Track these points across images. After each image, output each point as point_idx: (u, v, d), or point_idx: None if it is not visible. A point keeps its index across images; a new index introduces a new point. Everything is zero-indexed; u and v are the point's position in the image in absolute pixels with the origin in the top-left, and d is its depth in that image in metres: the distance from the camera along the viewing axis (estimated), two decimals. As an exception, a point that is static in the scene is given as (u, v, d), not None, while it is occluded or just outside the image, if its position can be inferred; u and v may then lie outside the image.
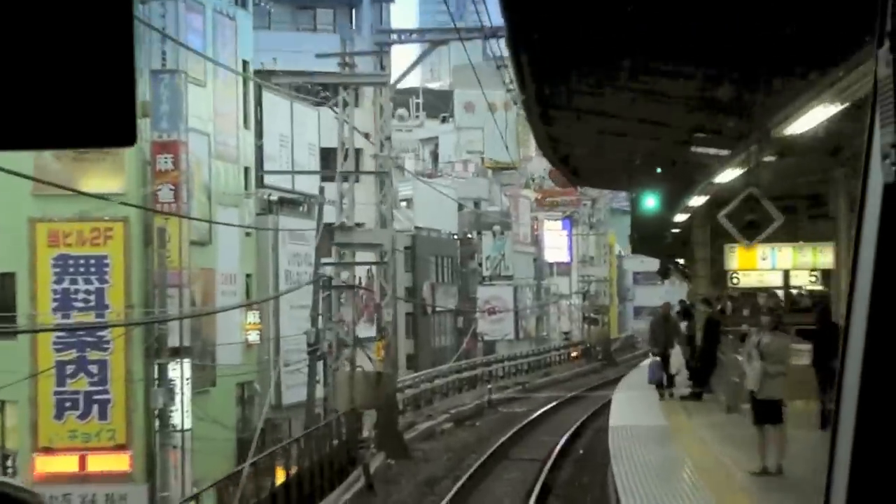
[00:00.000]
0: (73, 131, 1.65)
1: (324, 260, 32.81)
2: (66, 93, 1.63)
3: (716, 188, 17.43)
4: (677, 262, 33.96)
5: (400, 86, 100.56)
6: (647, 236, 28.42)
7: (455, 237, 65.21)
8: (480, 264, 74.57)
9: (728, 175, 16.06)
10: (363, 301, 49.77)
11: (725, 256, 23.96)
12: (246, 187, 39.93)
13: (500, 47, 28.77)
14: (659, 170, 22.68)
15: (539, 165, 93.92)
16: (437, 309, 60.38)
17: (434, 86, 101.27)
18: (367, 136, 55.66)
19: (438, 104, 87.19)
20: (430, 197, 61.83)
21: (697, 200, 19.83)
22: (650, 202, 22.97)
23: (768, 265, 24.34)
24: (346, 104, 28.11)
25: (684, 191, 21.71)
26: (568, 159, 25.49)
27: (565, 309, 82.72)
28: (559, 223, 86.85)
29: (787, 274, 24.56)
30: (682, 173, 22.17)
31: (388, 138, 27.83)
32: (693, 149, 19.30)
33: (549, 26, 11.83)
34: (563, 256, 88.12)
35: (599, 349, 59.80)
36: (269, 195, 40.65)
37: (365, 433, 28.11)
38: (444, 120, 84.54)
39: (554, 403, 38.46)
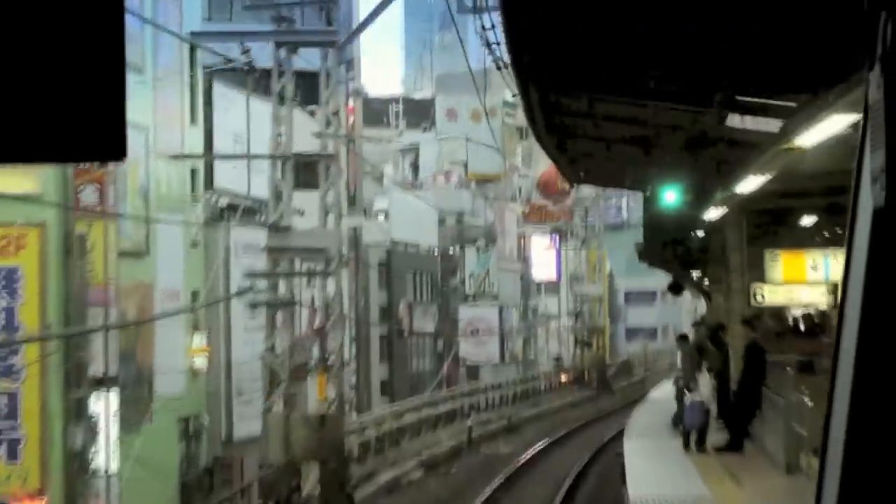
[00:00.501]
0: (62, 146, 1.62)
1: (254, 271, 27.42)
2: (56, 107, 1.62)
3: (787, 160, 12.26)
4: (693, 275, 28.85)
5: (379, 94, 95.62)
6: (659, 242, 23.31)
7: (435, 252, 60.05)
8: (463, 282, 69.45)
9: (814, 135, 10.81)
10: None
11: (766, 265, 18.97)
12: (193, 190, 34.88)
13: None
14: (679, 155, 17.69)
15: (526, 177, 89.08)
16: (416, 330, 55.24)
17: (417, 97, 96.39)
18: (350, 141, 50.74)
19: (420, 114, 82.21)
20: (408, 208, 56.73)
21: (751, 183, 14.64)
22: (670, 197, 17.94)
23: (819, 276, 19.42)
24: (282, 72, 22.65)
25: (718, 179, 16.70)
26: (567, 146, 20.51)
27: (554, 331, 77.69)
28: (547, 238, 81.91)
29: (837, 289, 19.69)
30: (713, 157, 17.18)
31: (336, 114, 22.50)
32: (733, 121, 14.58)
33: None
34: (552, 274, 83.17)
35: (594, 375, 54.57)
36: (219, 200, 35.50)
37: (306, 491, 22.62)
38: (425, 130, 79.56)
39: (545, 443, 32.72)
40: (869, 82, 1.98)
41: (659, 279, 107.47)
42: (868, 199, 2.00)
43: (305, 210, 45.23)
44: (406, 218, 56.02)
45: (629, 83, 13.83)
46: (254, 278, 24.92)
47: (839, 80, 9.28)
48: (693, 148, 16.96)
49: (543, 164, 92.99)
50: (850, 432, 2.02)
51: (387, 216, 56.04)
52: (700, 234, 20.50)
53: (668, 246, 21.88)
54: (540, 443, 33.02)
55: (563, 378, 54.35)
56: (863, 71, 2.06)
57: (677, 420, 22.13)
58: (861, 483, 2.01)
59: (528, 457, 30.48)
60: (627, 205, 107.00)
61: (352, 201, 51.73)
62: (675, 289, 31.58)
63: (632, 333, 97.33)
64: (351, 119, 51.93)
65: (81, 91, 1.61)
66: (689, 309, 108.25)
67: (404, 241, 55.93)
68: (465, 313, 68.22)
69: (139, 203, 31.37)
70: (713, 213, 17.27)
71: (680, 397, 22.42)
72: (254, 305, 25.25)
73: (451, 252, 61.97)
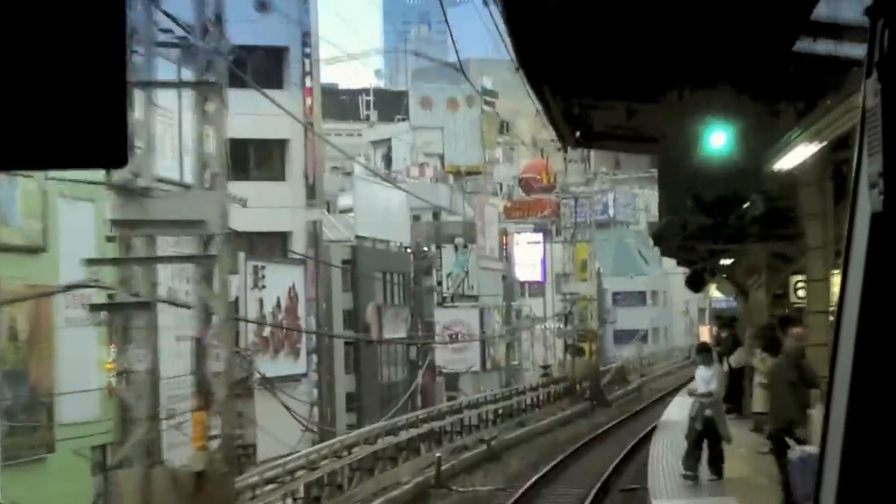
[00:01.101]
0: (64, 152, 1.63)
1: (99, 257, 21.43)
2: (58, 114, 1.62)
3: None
4: (723, 266, 23.05)
5: (350, 86, 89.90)
6: (683, 217, 17.49)
7: (408, 250, 54.45)
8: (440, 283, 63.85)
9: None
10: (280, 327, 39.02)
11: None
12: (107, 173, 29.30)
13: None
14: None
15: (507, 172, 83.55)
16: (387, 336, 49.61)
17: (392, 89, 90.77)
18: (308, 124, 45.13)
19: (394, 108, 76.64)
20: (376, 201, 51.12)
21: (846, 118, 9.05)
22: (718, 140, 12.16)
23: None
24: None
25: (789, 114, 11.13)
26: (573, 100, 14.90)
27: (540, 335, 72.18)
28: (531, 236, 76.35)
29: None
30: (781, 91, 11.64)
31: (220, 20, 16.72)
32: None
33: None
34: (537, 274, 77.68)
35: (586, 386, 48.89)
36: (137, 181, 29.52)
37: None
38: (399, 121, 73.98)
39: (533, 479, 26.47)
40: (866, 88, 2.00)
41: (648, 279, 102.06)
42: (866, 204, 2.03)
43: (263, 204, 39.44)
44: (374, 212, 50.39)
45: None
46: (97, 266, 19.20)
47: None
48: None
49: (526, 158, 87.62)
50: (848, 436, 2.03)
51: (352, 210, 50.45)
52: (754, 201, 14.80)
53: (700, 216, 16.05)
54: (527, 477, 26.80)
55: (552, 389, 48.56)
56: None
57: (690, 463, 16.94)
58: (859, 487, 2.01)
59: (512, 499, 24.42)
60: (614, 201, 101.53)
61: (311, 193, 46.13)
62: (696, 282, 25.62)
63: (621, 337, 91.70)
64: (308, 101, 46.37)
65: (83, 98, 1.60)
66: (682, 310, 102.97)
67: (372, 237, 50.31)
68: (443, 317, 62.62)
69: (32, 187, 25.78)
70: (789, 161, 11.28)
71: (705, 433, 17.06)
72: (94, 308, 19.44)
73: (425, 250, 56.27)
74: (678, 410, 23.55)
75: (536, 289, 79.29)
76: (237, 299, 36.70)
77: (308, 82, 46.32)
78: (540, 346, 72.93)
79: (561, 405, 46.74)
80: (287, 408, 33.69)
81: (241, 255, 36.80)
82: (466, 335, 60.31)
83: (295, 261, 41.38)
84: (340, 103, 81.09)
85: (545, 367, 56.73)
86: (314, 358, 44.78)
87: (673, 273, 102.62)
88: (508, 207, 74.05)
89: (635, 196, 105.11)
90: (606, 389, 52.31)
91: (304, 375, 40.93)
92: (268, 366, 37.68)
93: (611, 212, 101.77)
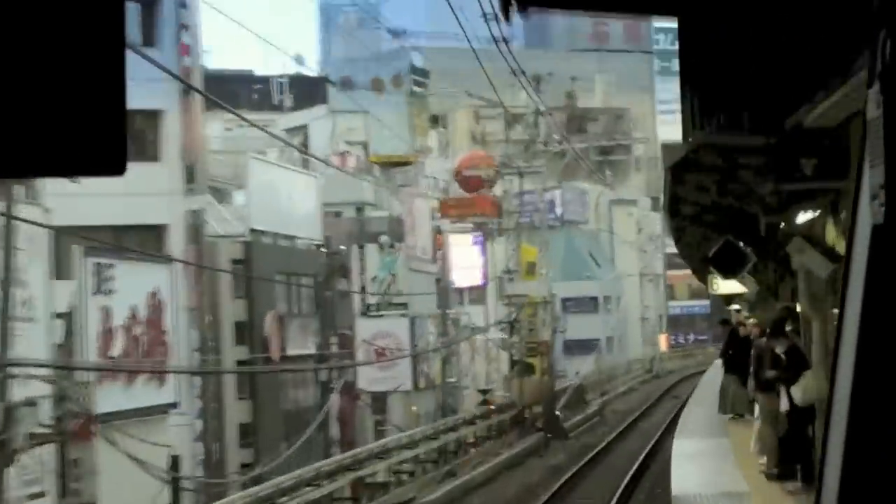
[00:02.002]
0: (62, 160, 1.63)
1: None
2: (56, 121, 1.62)
3: None
4: (802, 225, 13.93)
5: (262, 73, 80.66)
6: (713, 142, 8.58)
7: (320, 248, 45.38)
8: (364, 288, 54.83)
9: None
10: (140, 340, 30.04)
11: None
12: None
13: None
14: None
15: (441, 165, 74.61)
16: (292, 353, 40.60)
17: (310, 74, 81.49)
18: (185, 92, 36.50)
19: (315, 94, 67.55)
20: (277, 188, 41.99)
21: None
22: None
23: None
24: None
25: None
26: None
27: (482, 346, 63.40)
28: (469, 236, 67.52)
29: None
30: None
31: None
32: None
33: None
34: (476, 278, 68.88)
35: (538, 413, 39.66)
36: None
37: None
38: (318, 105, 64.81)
39: None
40: (868, 99, 2.02)
41: (601, 283, 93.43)
42: (867, 216, 2.05)
43: (133, 190, 30.79)
44: (275, 201, 41.30)
45: None
46: None
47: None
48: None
49: (463, 152, 78.89)
50: (849, 449, 2.04)
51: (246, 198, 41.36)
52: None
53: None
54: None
55: (494, 420, 39.17)
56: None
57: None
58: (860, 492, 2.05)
59: None
60: (562, 199, 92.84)
61: (190, 177, 37.09)
62: (731, 260, 15.73)
63: (571, 348, 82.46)
64: (186, 59, 37.32)
65: (82, 105, 1.59)
66: (639, 317, 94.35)
67: (273, 232, 41.21)
68: (366, 328, 53.67)
69: None
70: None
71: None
72: None
73: (340, 248, 47.19)
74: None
75: (477, 295, 70.52)
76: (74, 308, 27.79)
77: (186, 38, 37.33)
78: (482, 361, 64.16)
79: (506, 440, 37.60)
80: (131, 455, 24.63)
81: (76, 249, 27.76)
82: (395, 349, 51.38)
83: (160, 258, 32.22)
84: (257, 93, 72.30)
85: (484, 391, 47.65)
86: (197, 382, 35.86)
87: (628, 276, 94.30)
88: (445, 203, 65.15)
89: (585, 193, 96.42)
90: (562, 415, 43.20)
91: (174, 406, 31.81)
92: (119, 396, 28.66)
93: (558, 210, 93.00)
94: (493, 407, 39.87)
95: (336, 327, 41.34)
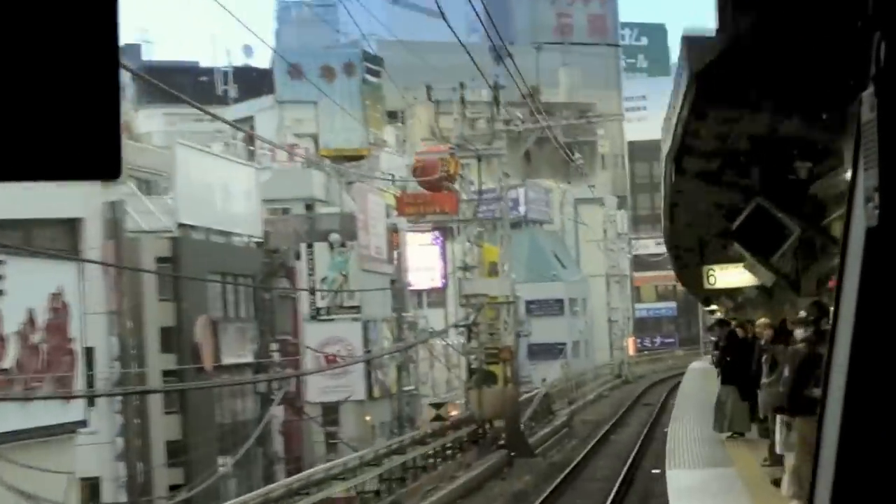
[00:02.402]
0: (57, 164, 1.63)
1: None
2: (51, 125, 1.62)
3: None
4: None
5: (205, 64, 76.40)
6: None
7: (261, 245, 41.40)
8: (314, 291, 50.86)
9: None
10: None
11: None
12: None
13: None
14: None
15: (400, 161, 70.66)
16: (227, 361, 36.64)
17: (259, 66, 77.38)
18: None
19: (263, 86, 63.48)
20: (209, 179, 37.94)
21: None
22: None
23: None
24: None
25: None
26: None
27: (442, 353, 59.56)
28: (427, 236, 63.72)
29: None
30: None
31: None
32: None
33: None
34: (435, 280, 65.06)
35: (500, 427, 35.49)
36: None
37: None
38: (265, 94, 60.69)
39: None
40: (862, 101, 2.02)
41: (566, 285, 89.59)
42: (861, 219, 2.05)
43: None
44: (208, 193, 37.29)
45: None
46: None
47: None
48: None
49: (421, 147, 74.99)
50: (842, 451, 2.04)
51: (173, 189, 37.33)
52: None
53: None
54: None
55: (451, 438, 34.85)
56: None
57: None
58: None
59: None
60: (526, 197, 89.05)
61: (109, 163, 32.86)
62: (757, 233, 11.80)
63: (536, 352, 78.53)
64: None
65: (76, 109, 1.58)
66: (605, 319, 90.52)
67: (205, 227, 37.23)
68: (315, 333, 49.77)
69: None
70: None
71: None
72: None
73: (286, 248, 43.18)
74: None
75: (437, 297, 66.69)
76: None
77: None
78: (442, 368, 60.25)
79: (464, 460, 33.51)
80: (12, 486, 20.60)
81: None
82: (349, 356, 47.44)
83: (65, 255, 28.17)
84: (199, 83, 68.14)
85: (437, 405, 43.68)
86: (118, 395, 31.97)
87: (594, 277, 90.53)
88: (401, 200, 61.21)
89: (549, 192, 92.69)
90: (527, 428, 39.14)
91: (82, 424, 27.77)
92: (14, 414, 24.69)
93: (522, 209, 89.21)
94: (447, 423, 35.68)
95: (276, 333, 37.22)
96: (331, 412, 50.13)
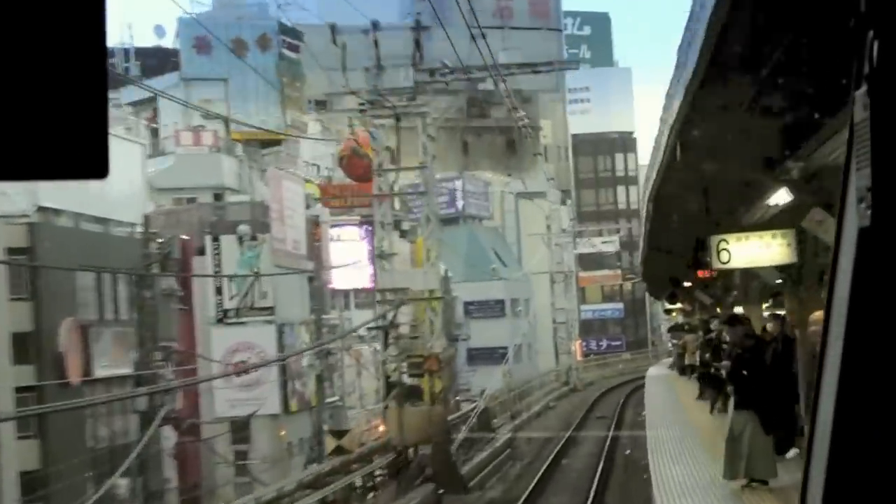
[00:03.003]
0: (43, 163, 1.58)
1: None
2: (37, 124, 1.57)
3: None
4: None
5: (112, 45, 70.03)
6: None
7: (148, 235, 35.07)
8: (220, 290, 44.76)
9: None
10: None
11: None
12: None
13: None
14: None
15: (325, 149, 64.54)
16: (102, 374, 30.42)
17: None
18: None
19: (164, 67, 56.96)
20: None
21: None
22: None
23: None
24: None
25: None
26: None
27: (370, 359, 53.64)
28: (356, 230, 57.84)
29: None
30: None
31: None
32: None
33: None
34: (364, 279, 59.06)
35: (427, 455, 28.94)
36: None
37: None
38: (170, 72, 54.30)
39: None
40: (855, 101, 2.04)
41: (508, 285, 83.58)
42: (854, 219, 2.05)
43: None
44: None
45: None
46: None
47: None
48: None
49: (347, 134, 69.01)
50: (833, 454, 2.06)
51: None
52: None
53: None
54: None
55: (357, 469, 28.36)
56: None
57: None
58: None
59: None
60: (463, 191, 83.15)
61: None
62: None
63: (476, 357, 72.32)
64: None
65: (62, 107, 1.54)
66: (550, 321, 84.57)
67: (74, 212, 30.99)
68: (223, 339, 43.78)
69: None
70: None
71: None
72: None
73: (162, 239, 36.83)
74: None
75: (367, 298, 60.69)
76: None
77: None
78: (370, 377, 54.25)
79: (380, 498, 27.18)
80: None
81: None
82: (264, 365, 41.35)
83: None
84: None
85: (338, 433, 37.52)
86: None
87: (537, 275, 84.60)
88: (325, 190, 55.13)
89: (488, 185, 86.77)
90: (463, 451, 32.82)
91: None
92: None
93: (459, 204, 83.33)
94: (352, 455, 29.16)
95: (160, 339, 30.96)
96: (242, 428, 44.15)
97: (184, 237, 39.21)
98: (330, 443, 34.12)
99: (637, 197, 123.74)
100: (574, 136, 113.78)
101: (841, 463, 2.05)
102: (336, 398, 49.78)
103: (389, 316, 33.73)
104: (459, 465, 29.56)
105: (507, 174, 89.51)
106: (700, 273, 18.66)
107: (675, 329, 48.99)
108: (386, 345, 34.28)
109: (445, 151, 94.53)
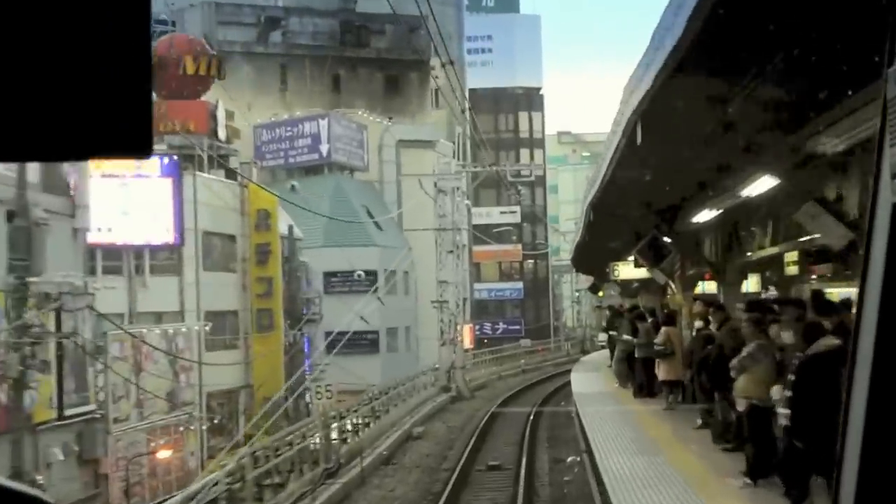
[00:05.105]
0: (89, 141, 1.60)
1: None
2: (82, 102, 1.59)
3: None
4: None
5: None
6: None
7: None
8: None
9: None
10: None
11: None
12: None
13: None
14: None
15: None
16: None
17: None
18: None
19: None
20: None
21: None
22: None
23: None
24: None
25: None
26: None
27: (151, 358, 36.84)
28: (152, 162, 40.95)
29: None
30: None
31: None
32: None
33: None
34: (167, 234, 42.07)
35: None
36: None
37: None
38: None
39: None
40: (888, 77, 1.99)
41: (381, 252, 66.42)
42: (888, 195, 2.03)
43: None
44: None
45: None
46: None
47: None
48: None
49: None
50: (867, 441, 2.02)
51: None
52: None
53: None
54: None
55: None
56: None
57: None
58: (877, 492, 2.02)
59: None
60: (330, 132, 65.79)
61: None
62: None
63: (337, 344, 54.35)
64: None
65: (108, 85, 1.56)
66: (435, 300, 67.29)
67: None
68: None
69: None
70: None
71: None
72: None
73: None
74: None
75: (168, 259, 43.40)
76: None
77: None
78: (159, 377, 37.15)
79: None
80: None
81: None
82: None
83: None
84: None
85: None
86: None
87: (419, 243, 67.51)
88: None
89: (363, 129, 69.35)
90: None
91: None
92: None
93: (323, 149, 65.89)
94: None
95: None
96: None
97: None
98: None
99: (543, 160, 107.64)
100: (472, 90, 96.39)
101: (873, 458, 1.98)
102: (90, 407, 32.56)
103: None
104: None
105: (387, 117, 72.33)
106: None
107: (612, 315, 32.19)
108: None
109: (310, 84, 77.14)
